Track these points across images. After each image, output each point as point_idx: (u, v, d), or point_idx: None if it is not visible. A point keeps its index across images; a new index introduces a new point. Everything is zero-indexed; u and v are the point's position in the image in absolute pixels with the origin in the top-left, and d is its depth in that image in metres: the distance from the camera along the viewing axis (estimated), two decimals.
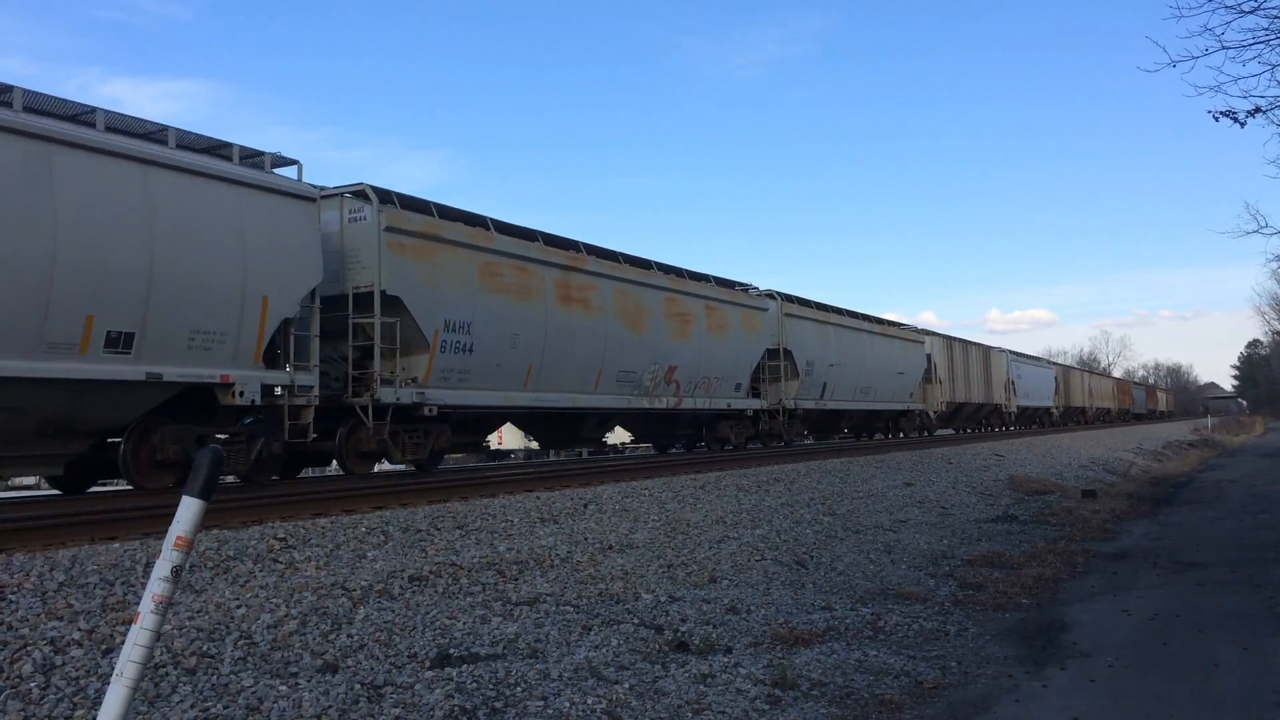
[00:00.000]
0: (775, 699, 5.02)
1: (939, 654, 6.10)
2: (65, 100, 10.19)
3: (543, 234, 16.26)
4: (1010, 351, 46.12)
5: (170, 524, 2.78)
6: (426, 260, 13.61)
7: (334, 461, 14.16)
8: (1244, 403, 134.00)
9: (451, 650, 5.51)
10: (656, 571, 8.07)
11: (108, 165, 10.00)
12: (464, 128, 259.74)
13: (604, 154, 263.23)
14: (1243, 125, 9.19)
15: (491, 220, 15.18)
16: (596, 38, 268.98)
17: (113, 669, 2.89)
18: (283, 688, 4.67)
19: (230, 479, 11.97)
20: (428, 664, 5.25)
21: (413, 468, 14.17)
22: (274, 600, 5.97)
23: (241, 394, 11.15)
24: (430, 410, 13.57)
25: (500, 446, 27.52)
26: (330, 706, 4.47)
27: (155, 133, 10.92)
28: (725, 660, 5.64)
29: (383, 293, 12.85)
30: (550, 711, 4.64)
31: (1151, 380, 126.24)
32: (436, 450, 14.32)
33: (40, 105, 9.91)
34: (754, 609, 7.04)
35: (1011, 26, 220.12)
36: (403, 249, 13.26)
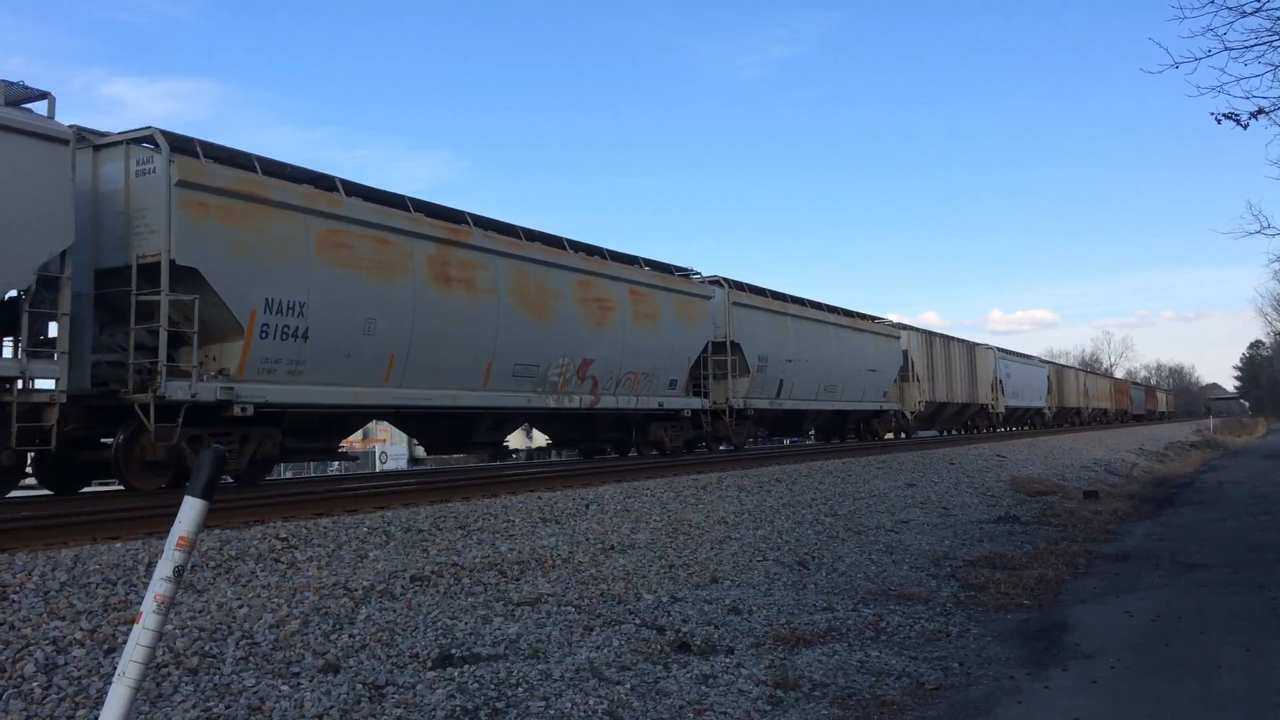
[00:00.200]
0: (777, 700, 5.02)
1: (941, 655, 6.09)
2: None
3: (415, 201, 13.82)
4: (998, 349, 43.94)
5: (172, 524, 2.78)
6: (239, 225, 10.93)
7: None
8: (1246, 403, 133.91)
9: (453, 650, 5.52)
10: (658, 572, 8.07)
11: None
12: (466, 128, 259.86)
13: (606, 154, 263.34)
14: (1245, 127, 9.19)
15: (343, 181, 12.71)
16: (599, 38, 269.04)
17: (115, 669, 2.89)
18: (284, 688, 4.67)
19: None
20: (429, 664, 5.25)
21: (230, 480, 11.44)
22: (276, 600, 5.98)
23: None
24: (244, 410, 10.92)
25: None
26: (332, 706, 4.48)
27: None
28: (727, 661, 5.64)
29: (173, 263, 10.27)
30: (552, 712, 4.64)
31: (1153, 381, 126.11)
32: (261, 459, 11.69)
33: None
34: (756, 609, 7.04)
35: (1014, 27, 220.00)
36: (204, 210, 10.61)
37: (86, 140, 10.78)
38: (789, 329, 23.96)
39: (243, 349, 10.95)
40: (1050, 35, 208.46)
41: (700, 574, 8.14)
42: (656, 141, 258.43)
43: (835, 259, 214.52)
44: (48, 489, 11.39)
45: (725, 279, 21.87)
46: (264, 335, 11.14)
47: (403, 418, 14.96)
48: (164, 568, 2.72)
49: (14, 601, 5.46)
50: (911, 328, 33.62)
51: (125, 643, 2.76)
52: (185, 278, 10.46)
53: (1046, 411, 52.29)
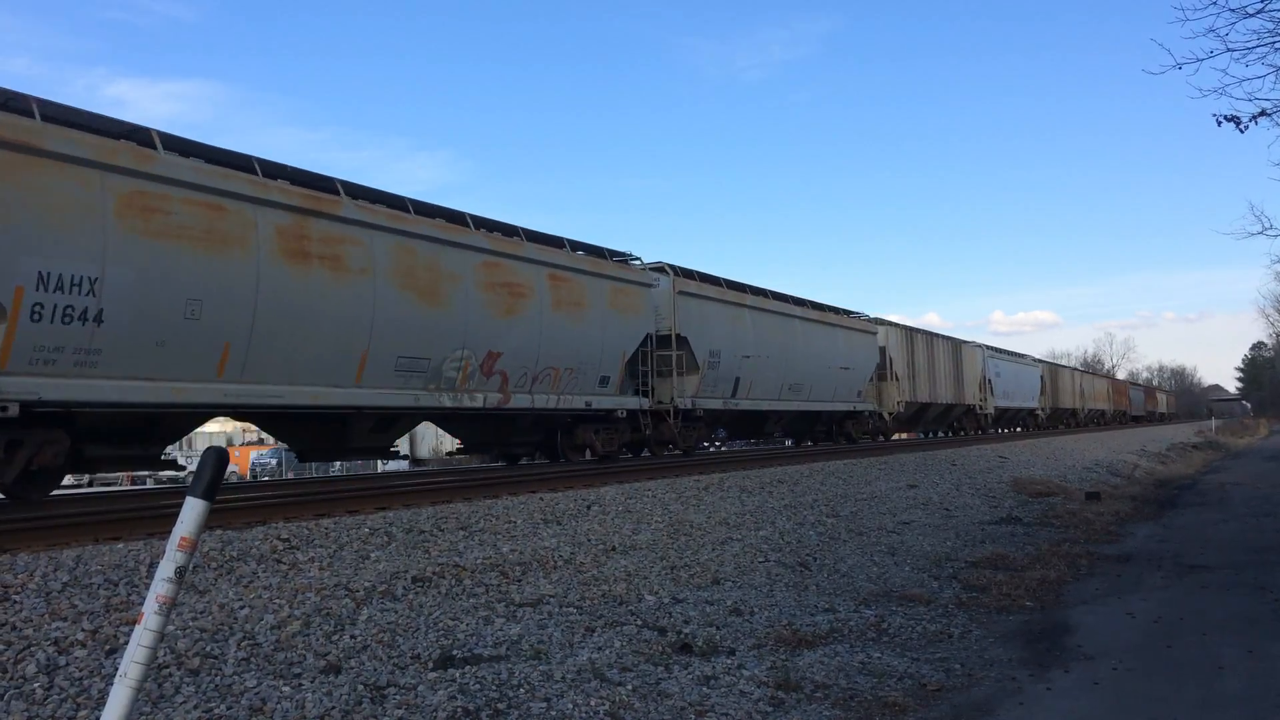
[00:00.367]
0: (778, 701, 5.02)
1: (942, 656, 6.09)
2: None
3: (267, 163, 11.59)
4: (987, 346, 41.58)
5: (174, 525, 2.78)
6: None
7: None
8: (1248, 405, 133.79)
9: (455, 651, 5.51)
10: (660, 573, 8.06)
11: None
12: (469, 129, 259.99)
13: (609, 155, 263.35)
14: (1244, 130, 9.19)
15: (166, 136, 10.49)
16: (601, 39, 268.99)
17: (116, 669, 2.89)
18: (286, 688, 4.67)
19: None
20: (431, 665, 5.25)
21: None
22: (277, 601, 5.98)
23: None
24: (4, 409, 8.73)
25: None
26: (333, 707, 4.48)
27: None
28: (728, 662, 5.63)
29: None
30: (553, 713, 4.64)
31: (1155, 382, 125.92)
32: (41, 469, 9.48)
33: None
34: (757, 610, 7.03)
35: (1016, 28, 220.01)
36: None
37: None
38: (746, 322, 21.75)
39: (4, 334, 8.77)
40: (1051, 36, 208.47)
41: (702, 575, 8.14)
42: (658, 142, 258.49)
43: (836, 260, 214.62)
44: None
45: (671, 265, 19.72)
46: (36, 318, 8.92)
47: (259, 418, 12.77)
48: (166, 568, 2.72)
49: (16, 602, 5.46)
50: (890, 323, 31.35)
51: (127, 643, 2.76)
52: None
53: (1040, 413, 50.52)
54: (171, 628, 5.16)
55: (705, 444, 22.48)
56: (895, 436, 35.68)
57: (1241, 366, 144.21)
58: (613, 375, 17.33)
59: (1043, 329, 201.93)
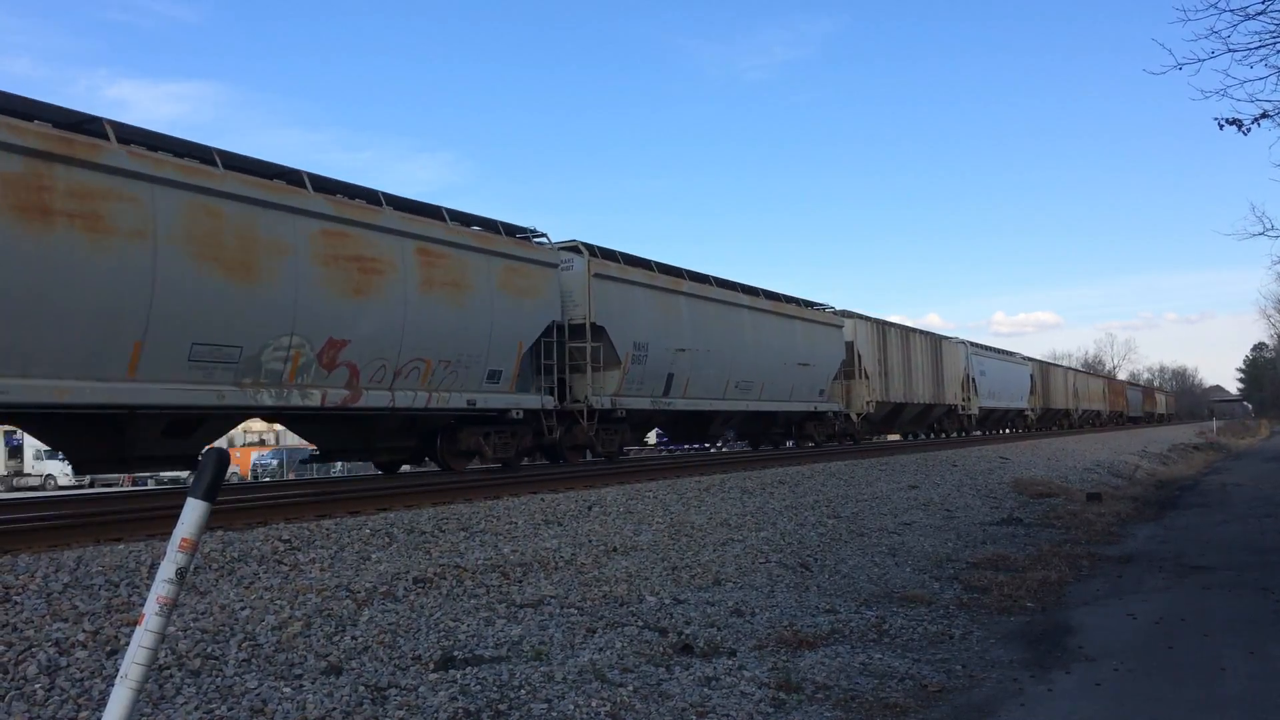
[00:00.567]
0: (779, 702, 5.01)
1: (944, 657, 6.08)
2: None
3: None
4: (970, 343, 39.11)
5: (175, 526, 2.78)
6: None
7: None
8: (1249, 405, 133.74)
9: (456, 652, 5.51)
10: (661, 574, 8.06)
11: None
12: (470, 130, 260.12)
13: (610, 156, 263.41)
14: (1246, 133, 9.19)
15: None
16: (603, 40, 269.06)
17: (117, 670, 2.89)
18: (287, 689, 4.67)
19: None
20: (432, 666, 5.25)
21: None
22: (278, 602, 5.98)
23: None
24: None
25: None
26: (334, 709, 4.48)
27: None
28: (729, 663, 5.63)
29: None
30: (554, 714, 4.63)
31: (1156, 383, 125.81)
32: None
33: None
34: (758, 612, 7.03)
35: (1017, 29, 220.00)
36: None
37: None
38: (681, 311, 19.35)
39: None
40: (1053, 37, 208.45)
41: (703, 576, 8.14)
42: (661, 143, 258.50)
43: (837, 261, 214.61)
44: None
45: (587, 244, 17.28)
46: None
47: (18, 419, 10.64)
48: (166, 569, 2.72)
49: (17, 603, 5.47)
50: (859, 316, 28.59)
51: (128, 644, 2.76)
52: None
53: (1029, 414, 48.17)
54: (172, 629, 5.16)
55: (640, 447, 20.08)
56: (891, 437, 35.15)
57: (1243, 367, 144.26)
58: (505, 369, 14.91)
59: (1044, 330, 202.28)
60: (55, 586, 5.79)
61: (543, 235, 16.36)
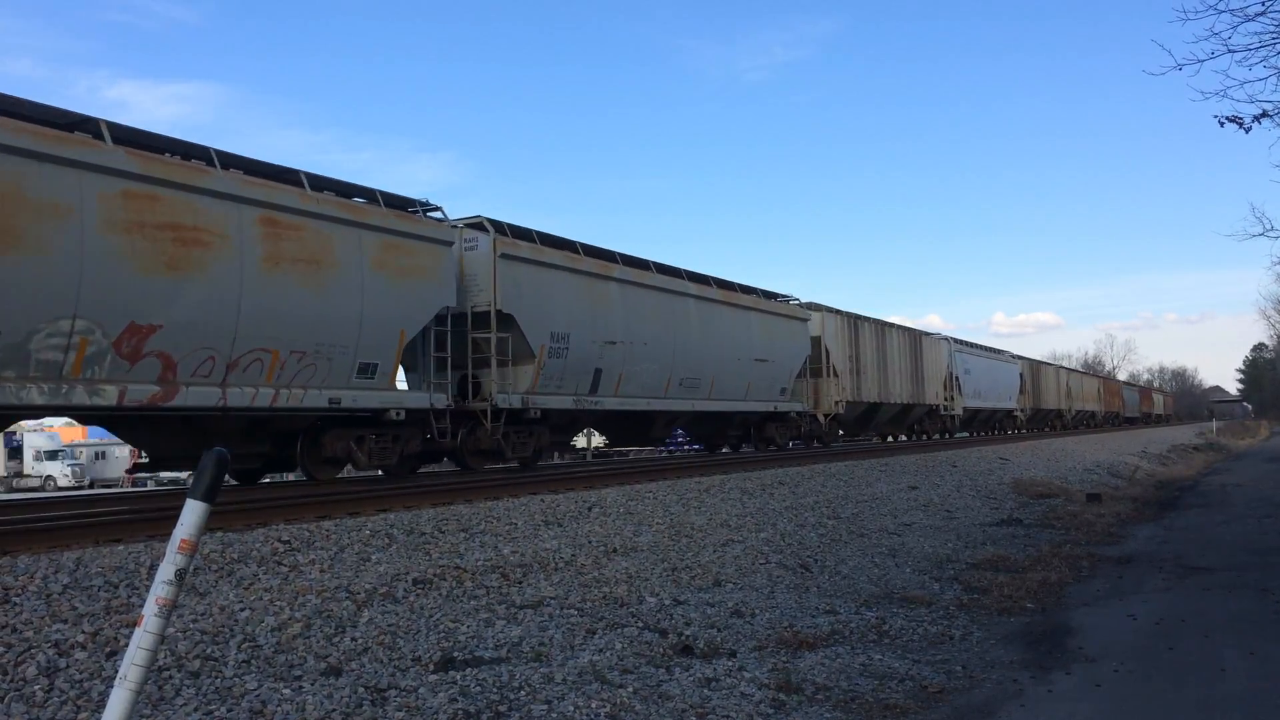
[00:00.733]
0: (780, 703, 5.01)
1: (944, 658, 6.08)
2: None
3: None
4: (954, 340, 36.59)
5: (174, 527, 2.77)
6: None
7: None
8: (1249, 406, 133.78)
9: (455, 653, 5.51)
10: (660, 575, 8.06)
11: None
12: (471, 130, 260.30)
13: (611, 156, 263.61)
14: (1247, 131, 9.19)
15: None
16: (603, 41, 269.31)
17: (116, 672, 2.89)
18: (286, 691, 4.67)
19: None
20: (431, 667, 5.25)
21: None
22: (278, 603, 5.97)
23: None
24: None
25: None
26: (334, 710, 4.47)
27: None
28: (729, 664, 5.63)
29: None
30: (554, 715, 4.63)
31: (1156, 384, 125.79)
32: None
33: None
34: (758, 612, 7.02)
35: (1017, 30, 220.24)
36: None
37: None
38: (613, 299, 16.96)
39: None
40: (1053, 37, 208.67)
41: (703, 577, 8.13)
42: (661, 144, 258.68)
43: (837, 261, 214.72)
44: None
45: (493, 221, 14.87)
46: None
47: None
48: (166, 571, 2.72)
49: (16, 604, 5.46)
50: (828, 309, 26.10)
51: (127, 645, 2.76)
52: None
53: (1019, 414, 45.68)
54: (172, 630, 5.15)
55: (560, 454, 17.73)
56: (890, 438, 34.27)
57: (1242, 368, 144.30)
58: (383, 362, 12.73)
59: (1044, 330, 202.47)
60: (54, 588, 5.78)
61: (437, 208, 14.03)
